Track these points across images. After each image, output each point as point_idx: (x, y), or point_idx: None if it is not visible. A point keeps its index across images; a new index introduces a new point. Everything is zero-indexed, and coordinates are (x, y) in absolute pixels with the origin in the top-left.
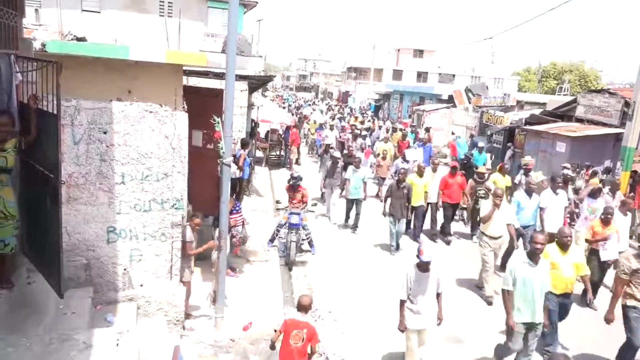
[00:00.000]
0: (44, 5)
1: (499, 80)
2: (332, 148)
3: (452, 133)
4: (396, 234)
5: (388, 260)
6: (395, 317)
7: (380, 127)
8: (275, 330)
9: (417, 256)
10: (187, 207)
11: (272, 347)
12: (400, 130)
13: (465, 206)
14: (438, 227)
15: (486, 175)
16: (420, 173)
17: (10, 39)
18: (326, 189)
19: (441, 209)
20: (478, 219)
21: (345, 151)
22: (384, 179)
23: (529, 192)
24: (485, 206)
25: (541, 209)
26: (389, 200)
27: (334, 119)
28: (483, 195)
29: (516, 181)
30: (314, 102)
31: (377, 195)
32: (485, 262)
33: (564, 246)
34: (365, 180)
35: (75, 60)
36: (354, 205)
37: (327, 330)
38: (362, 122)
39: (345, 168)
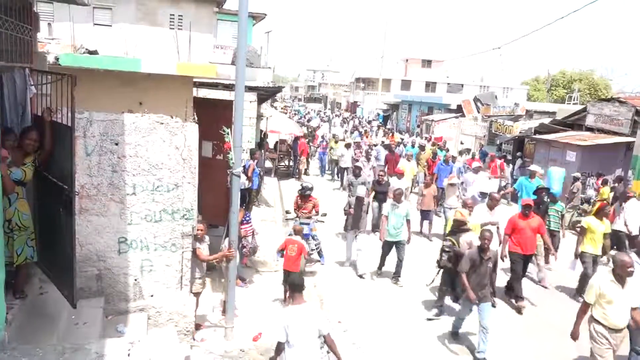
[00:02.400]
0: (57, 19)
1: (507, 89)
2: (360, 170)
3: (461, 143)
4: (484, 331)
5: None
6: (406, 329)
7: (400, 143)
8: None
9: None
10: (197, 217)
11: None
12: (432, 146)
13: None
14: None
15: (468, 224)
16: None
17: (25, 53)
18: (348, 232)
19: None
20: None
21: (368, 174)
22: (427, 212)
23: None
24: (602, 281)
25: None
26: (461, 274)
27: (351, 133)
28: (448, 250)
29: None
30: (327, 115)
31: (421, 232)
32: None
33: None
34: (408, 217)
35: (87, 73)
36: (395, 250)
37: (337, 340)
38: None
39: (378, 200)
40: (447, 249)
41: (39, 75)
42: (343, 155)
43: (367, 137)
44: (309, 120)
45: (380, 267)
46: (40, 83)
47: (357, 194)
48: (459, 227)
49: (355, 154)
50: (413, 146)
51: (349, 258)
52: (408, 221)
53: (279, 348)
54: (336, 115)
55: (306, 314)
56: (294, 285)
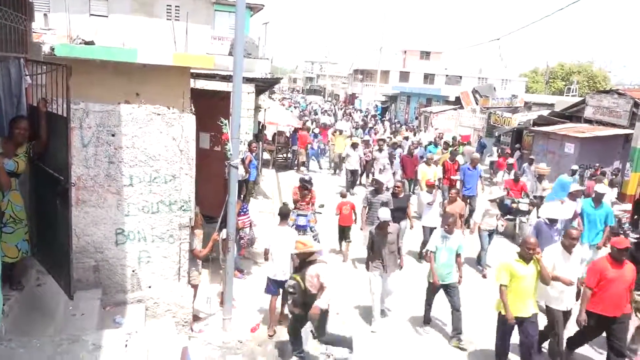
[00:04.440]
0: (53, 9)
1: (506, 81)
2: (381, 185)
3: (459, 135)
4: None
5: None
6: (406, 323)
7: (419, 143)
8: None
9: None
10: (195, 209)
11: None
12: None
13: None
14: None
15: (315, 254)
16: (525, 256)
17: (20, 43)
18: (373, 270)
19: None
20: None
21: (387, 179)
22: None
23: None
24: None
25: None
26: None
27: (357, 129)
28: (292, 291)
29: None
30: (331, 109)
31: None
32: None
33: None
34: (460, 251)
35: (83, 63)
36: (446, 296)
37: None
38: (394, 134)
39: (396, 219)
40: (291, 290)
41: (34, 65)
42: (349, 156)
43: (375, 133)
44: (310, 113)
45: (427, 321)
46: (36, 73)
47: (381, 218)
48: (305, 260)
49: (364, 154)
50: (437, 145)
51: (376, 303)
52: (459, 256)
53: (266, 252)
54: (339, 109)
55: (285, 233)
56: (280, 214)
